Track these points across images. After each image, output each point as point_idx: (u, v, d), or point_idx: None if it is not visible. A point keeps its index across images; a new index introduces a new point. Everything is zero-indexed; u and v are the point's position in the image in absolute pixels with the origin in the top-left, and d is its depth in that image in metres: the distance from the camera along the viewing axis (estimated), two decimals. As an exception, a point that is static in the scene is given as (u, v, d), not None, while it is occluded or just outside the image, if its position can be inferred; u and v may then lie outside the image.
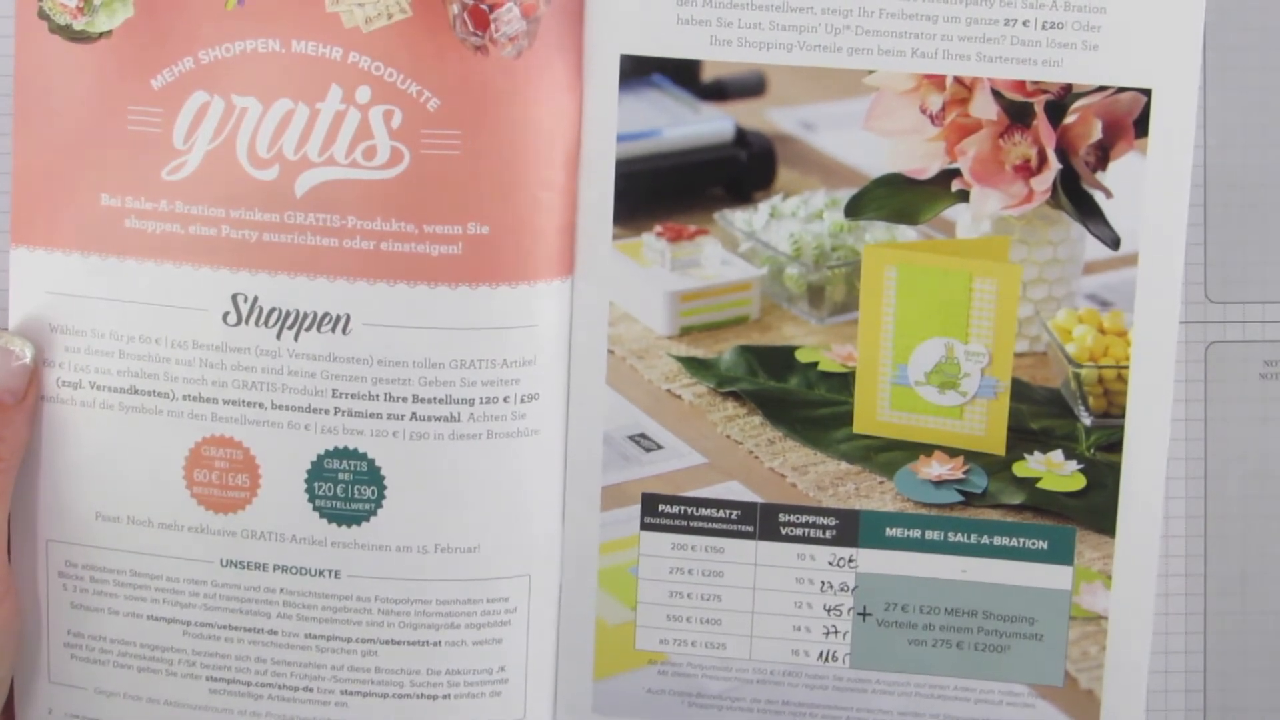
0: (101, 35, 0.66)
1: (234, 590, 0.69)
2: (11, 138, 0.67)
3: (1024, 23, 0.65)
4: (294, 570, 0.68)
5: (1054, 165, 0.68)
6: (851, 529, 0.69)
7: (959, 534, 0.69)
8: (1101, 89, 0.66)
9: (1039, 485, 0.69)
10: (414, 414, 0.67)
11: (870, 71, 0.67)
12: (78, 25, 0.66)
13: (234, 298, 0.67)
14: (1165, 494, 0.68)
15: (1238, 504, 0.70)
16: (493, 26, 0.65)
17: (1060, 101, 0.67)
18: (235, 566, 0.69)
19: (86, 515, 0.69)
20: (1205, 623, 0.70)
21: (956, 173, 0.69)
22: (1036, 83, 0.67)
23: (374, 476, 0.67)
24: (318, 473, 0.68)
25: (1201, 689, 0.70)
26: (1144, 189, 0.66)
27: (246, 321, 0.67)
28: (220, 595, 0.69)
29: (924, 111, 0.68)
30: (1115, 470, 0.68)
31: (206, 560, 0.69)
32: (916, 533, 0.69)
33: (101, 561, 0.69)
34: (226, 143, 0.66)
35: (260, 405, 0.67)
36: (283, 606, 0.69)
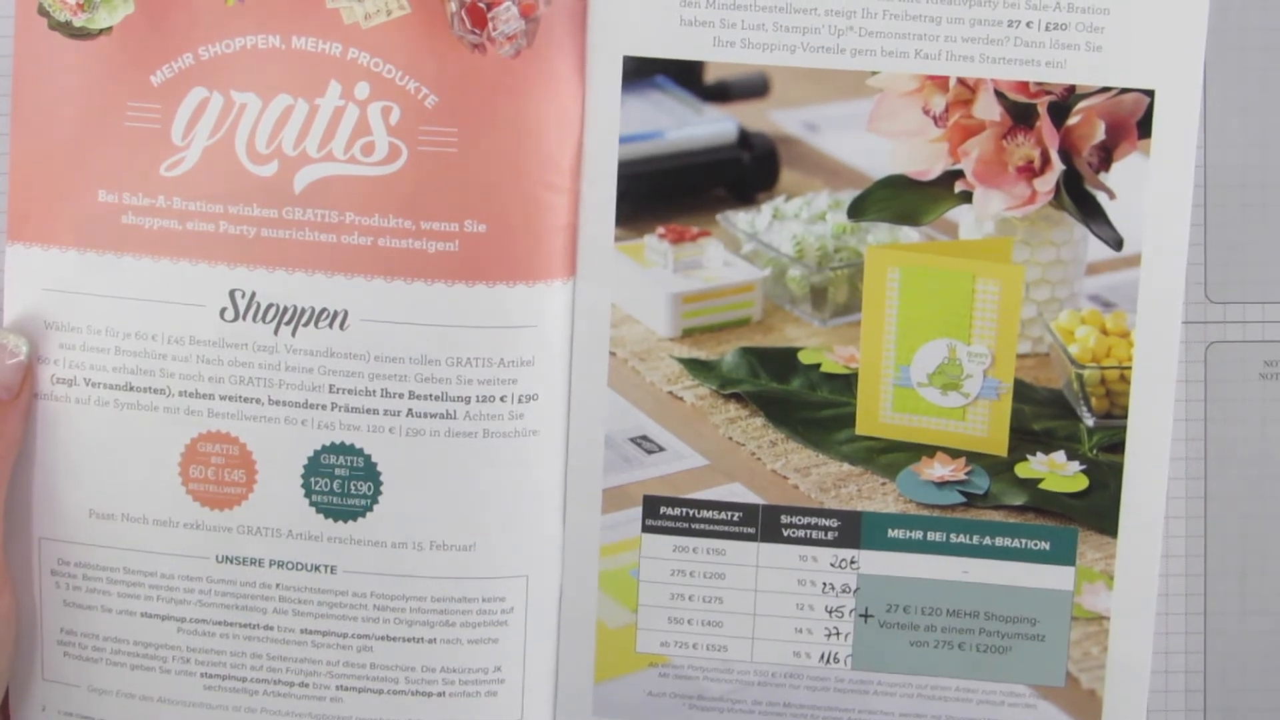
0: (101, 32, 0.66)
1: (229, 586, 0.68)
2: (9, 134, 0.67)
3: (1027, 24, 0.65)
4: (290, 566, 0.68)
5: (1057, 166, 0.68)
6: (853, 530, 0.69)
7: (961, 535, 0.69)
8: (1104, 90, 0.66)
9: (1041, 486, 0.69)
10: (410, 410, 0.67)
11: (873, 73, 0.67)
12: (78, 22, 0.66)
13: (231, 293, 0.67)
14: (1166, 494, 0.68)
15: (1238, 504, 0.69)
16: (490, 25, 0.65)
17: (1063, 103, 0.67)
18: (231, 562, 0.68)
19: (80, 513, 0.69)
20: (1205, 623, 0.70)
21: (959, 174, 0.69)
22: (1040, 84, 0.67)
23: (370, 472, 0.67)
24: (314, 468, 0.67)
25: (1201, 689, 0.70)
26: (1147, 190, 0.66)
27: (244, 317, 0.67)
28: (215, 591, 0.69)
29: (927, 113, 0.68)
30: (1117, 471, 0.67)
31: (202, 556, 0.68)
32: (918, 534, 0.69)
33: (94, 559, 0.69)
34: (225, 139, 0.66)
35: (257, 401, 0.67)
36: (278, 602, 0.68)
